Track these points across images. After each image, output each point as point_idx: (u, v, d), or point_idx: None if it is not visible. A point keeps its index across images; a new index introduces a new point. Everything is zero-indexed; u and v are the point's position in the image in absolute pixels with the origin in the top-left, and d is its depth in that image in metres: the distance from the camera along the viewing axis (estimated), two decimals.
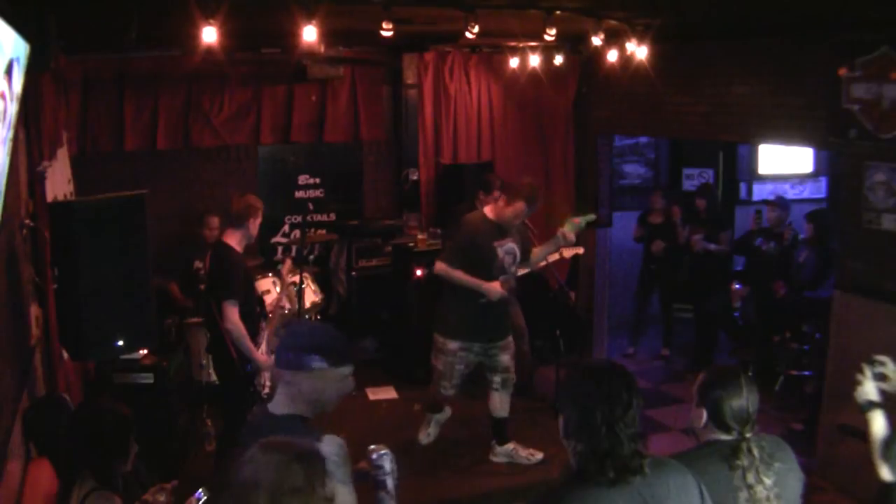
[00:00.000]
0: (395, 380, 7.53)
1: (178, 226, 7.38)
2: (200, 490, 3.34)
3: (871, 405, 3.06)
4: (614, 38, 6.01)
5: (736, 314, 7.57)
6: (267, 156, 7.88)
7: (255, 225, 5.19)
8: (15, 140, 3.33)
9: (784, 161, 9.85)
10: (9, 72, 2.98)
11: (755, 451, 2.58)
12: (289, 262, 6.15)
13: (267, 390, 5.37)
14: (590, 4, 5.07)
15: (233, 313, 4.93)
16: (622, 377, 2.23)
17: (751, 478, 2.55)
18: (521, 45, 7.41)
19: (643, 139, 9.74)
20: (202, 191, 7.56)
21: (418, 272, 7.36)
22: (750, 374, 2.72)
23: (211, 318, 5.15)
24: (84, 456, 2.99)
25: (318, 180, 8.13)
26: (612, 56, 6.42)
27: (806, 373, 6.80)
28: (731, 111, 6.66)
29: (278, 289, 6.42)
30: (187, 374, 6.35)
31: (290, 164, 7.99)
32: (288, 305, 6.47)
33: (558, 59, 7.27)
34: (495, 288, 5.54)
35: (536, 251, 5.91)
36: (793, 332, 6.98)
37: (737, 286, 7.58)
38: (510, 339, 5.89)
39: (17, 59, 3.13)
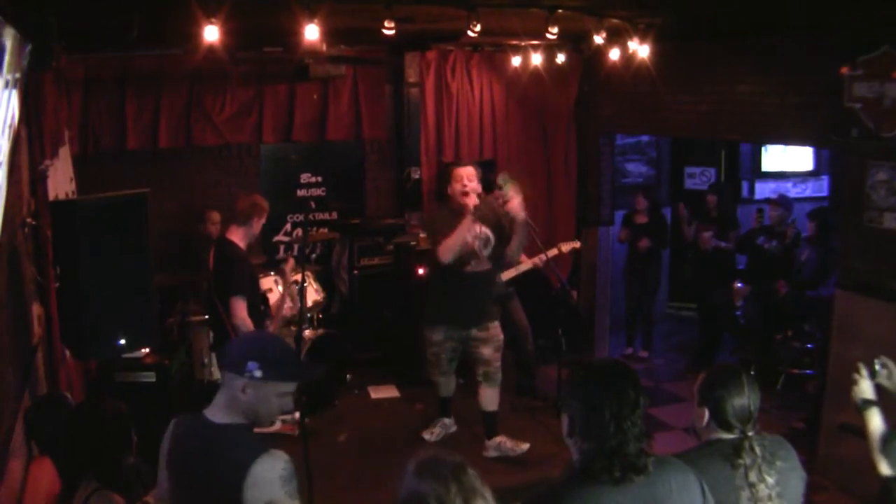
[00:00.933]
0: (396, 379, 7.54)
1: (179, 224, 7.38)
2: None
3: (868, 404, 3.08)
4: (616, 37, 6.02)
5: (738, 313, 7.57)
6: (269, 154, 7.88)
7: (258, 224, 5.21)
8: (17, 139, 3.33)
9: (786, 159, 9.85)
10: None
11: (757, 450, 2.58)
12: (291, 261, 6.16)
13: None
14: (592, 3, 5.07)
15: (241, 309, 4.93)
16: (628, 375, 2.24)
17: (753, 476, 2.55)
18: (522, 43, 7.41)
19: (645, 138, 9.74)
20: (204, 190, 7.56)
21: (420, 271, 7.36)
22: (751, 372, 2.71)
23: (215, 316, 5.16)
24: (88, 456, 3.00)
25: (319, 179, 8.14)
26: (614, 55, 6.42)
27: (807, 371, 6.80)
28: (732, 110, 6.66)
29: (280, 287, 6.42)
30: (189, 372, 6.35)
31: (292, 163, 7.99)
32: (290, 304, 6.48)
33: (560, 58, 7.27)
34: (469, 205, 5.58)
35: (512, 243, 5.83)
36: (794, 331, 6.99)
37: (739, 285, 7.58)
38: (493, 331, 5.90)
39: (4, 46, 3.07)
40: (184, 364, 6.13)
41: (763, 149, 9.63)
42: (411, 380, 7.37)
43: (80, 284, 4.04)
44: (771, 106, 6.27)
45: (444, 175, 6.06)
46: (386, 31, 4.73)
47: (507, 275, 6.67)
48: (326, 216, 8.14)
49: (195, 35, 4.38)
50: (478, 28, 4.72)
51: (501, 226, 5.79)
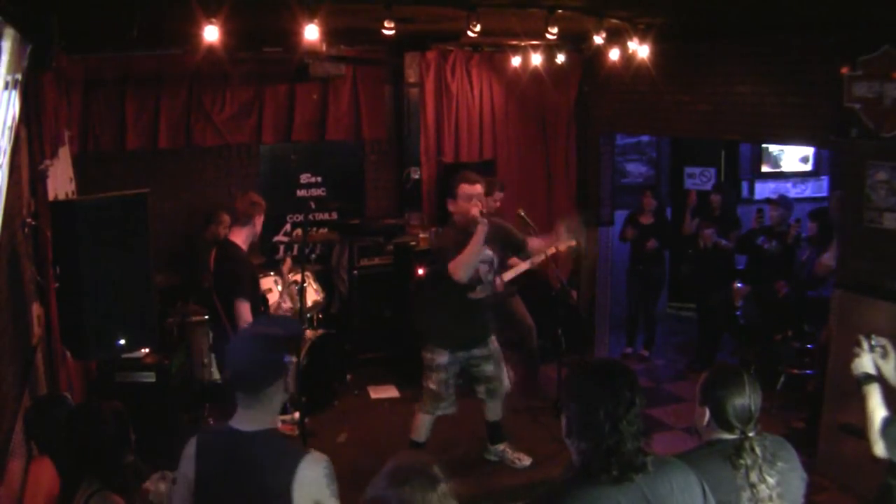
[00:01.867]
0: (396, 379, 7.53)
1: (179, 225, 7.38)
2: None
3: (869, 378, 3.09)
4: (616, 37, 6.02)
5: (737, 313, 7.57)
6: (269, 155, 7.88)
7: (260, 222, 5.21)
8: (16, 139, 3.33)
9: (785, 159, 9.86)
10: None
11: (758, 451, 2.58)
12: (289, 261, 6.15)
13: None
14: (591, 3, 5.08)
15: (246, 311, 4.93)
16: (625, 375, 2.24)
17: (754, 477, 2.54)
18: (522, 43, 7.41)
19: (645, 138, 9.74)
20: (204, 190, 7.56)
21: (420, 271, 7.36)
22: (752, 372, 2.71)
23: (215, 317, 5.16)
24: (88, 456, 3.00)
25: (319, 179, 8.13)
26: (614, 55, 6.43)
27: (807, 371, 6.79)
28: (732, 110, 6.66)
29: (280, 287, 6.42)
30: (189, 372, 6.35)
31: (292, 163, 7.99)
32: (289, 304, 6.48)
33: (560, 58, 7.27)
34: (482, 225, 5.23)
35: (535, 248, 5.78)
36: (794, 331, 6.98)
37: (738, 285, 7.58)
38: (492, 346, 5.69)
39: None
40: (183, 364, 6.13)
41: (772, 149, 9.64)
42: (411, 380, 7.35)
43: (80, 285, 4.04)
44: (771, 106, 6.27)
45: (450, 189, 5.47)
46: (386, 32, 4.73)
47: (506, 276, 6.66)
48: (326, 216, 8.14)
49: (195, 35, 4.39)
50: (478, 28, 4.72)
51: (508, 240, 5.67)
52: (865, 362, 3.11)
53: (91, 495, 2.90)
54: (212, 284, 5.38)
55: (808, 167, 10.01)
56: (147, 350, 5.46)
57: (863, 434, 3.11)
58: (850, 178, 5.60)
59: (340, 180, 8.21)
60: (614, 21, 5.42)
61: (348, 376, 7.33)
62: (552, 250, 6.78)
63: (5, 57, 2.94)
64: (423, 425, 5.60)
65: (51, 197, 4.66)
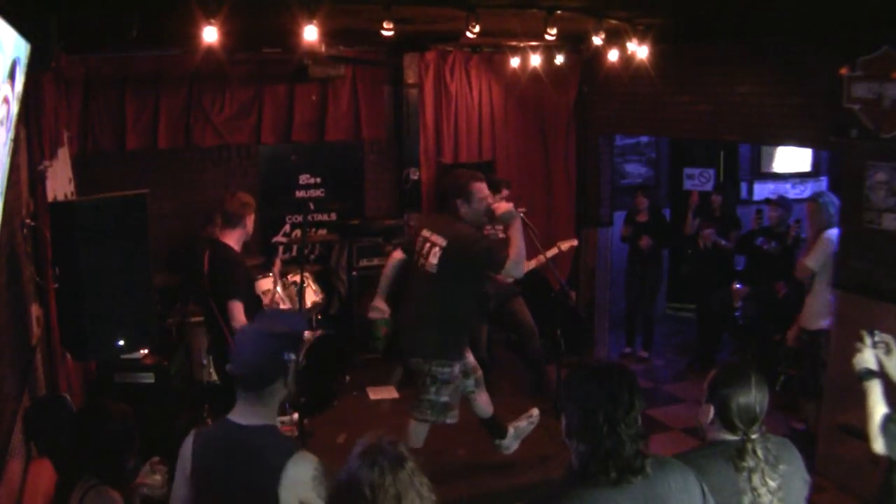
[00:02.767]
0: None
1: (179, 225, 7.38)
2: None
3: (870, 374, 3.07)
4: (615, 38, 6.02)
5: (737, 314, 7.57)
6: (268, 155, 7.88)
7: (251, 222, 5.19)
8: (16, 139, 3.33)
9: (785, 160, 9.86)
10: (12, 74, 2.98)
11: (760, 453, 2.56)
12: (278, 263, 6.16)
13: None
14: (591, 4, 5.08)
15: (240, 312, 4.92)
16: (623, 377, 2.23)
17: (756, 480, 2.53)
18: (522, 44, 7.42)
19: (644, 139, 9.74)
20: (203, 190, 7.56)
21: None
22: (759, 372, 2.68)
23: (211, 319, 5.15)
24: (92, 456, 3.01)
25: (318, 180, 8.13)
26: (613, 56, 6.43)
27: None
28: (731, 111, 6.66)
29: (279, 289, 6.42)
30: (188, 373, 6.35)
31: (292, 164, 7.99)
32: (285, 305, 6.48)
33: (559, 59, 7.27)
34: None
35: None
36: None
37: (738, 286, 7.58)
38: None
39: (19, 60, 3.13)
40: (183, 365, 6.13)
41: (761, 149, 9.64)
42: (410, 380, 7.36)
43: (80, 285, 4.03)
44: (770, 106, 6.27)
45: (459, 190, 5.10)
46: (385, 32, 4.74)
47: (528, 265, 6.55)
48: (325, 217, 8.14)
49: (194, 35, 4.39)
50: (477, 29, 4.73)
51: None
52: (867, 358, 3.09)
53: (88, 490, 2.90)
54: (206, 286, 5.37)
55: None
56: (146, 351, 5.46)
57: (862, 434, 3.10)
58: (850, 178, 5.60)
59: (340, 181, 8.21)
60: (614, 22, 5.42)
61: (347, 377, 7.33)
62: (554, 251, 6.77)
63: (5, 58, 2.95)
64: (421, 432, 5.28)
65: (50, 197, 4.67)
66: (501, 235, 6.08)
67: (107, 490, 2.94)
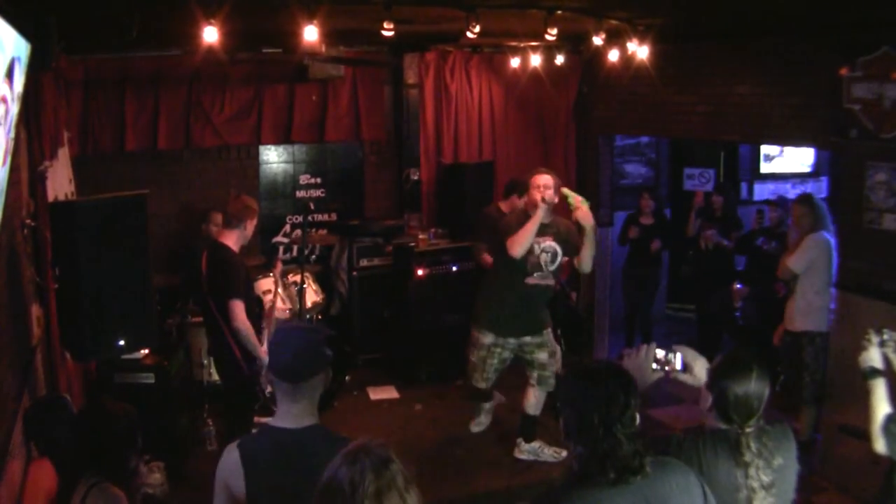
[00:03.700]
0: (396, 380, 7.52)
1: (179, 225, 7.38)
2: None
3: (874, 372, 3.06)
4: (615, 38, 6.01)
5: (737, 314, 7.57)
6: (267, 155, 7.88)
7: (251, 226, 5.18)
8: (16, 140, 3.33)
9: (785, 160, 9.86)
10: (10, 73, 2.98)
11: (753, 447, 2.55)
12: (279, 265, 6.16)
13: (270, 389, 5.36)
14: (591, 4, 5.08)
15: (240, 311, 4.92)
16: (619, 378, 2.23)
17: (751, 472, 2.53)
18: (522, 44, 7.41)
19: (644, 139, 9.74)
20: (203, 191, 7.56)
21: (419, 272, 7.36)
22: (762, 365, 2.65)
23: (210, 320, 5.15)
24: (94, 455, 3.01)
25: (319, 180, 8.13)
26: (613, 56, 6.42)
27: None
28: (731, 111, 6.66)
29: (280, 290, 6.41)
30: (188, 373, 6.35)
31: (292, 164, 7.99)
32: (285, 306, 6.47)
33: (559, 59, 7.27)
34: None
35: (583, 253, 5.64)
36: None
37: (738, 286, 7.58)
38: (547, 336, 5.87)
39: (18, 59, 3.13)
40: (183, 365, 6.12)
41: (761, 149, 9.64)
42: (410, 380, 7.37)
43: (80, 286, 4.04)
44: (770, 107, 6.27)
45: (517, 186, 6.37)
46: (385, 33, 4.73)
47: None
48: (325, 217, 8.14)
49: (194, 36, 4.39)
50: (477, 29, 4.72)
51: (569, 241, 5.68)
52: (873, 356, 3.08)
53: (90, 487, 2.90)
54: (204, 286, 5.37)
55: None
56: (146, 351, 5.45)
57: (861, 435, 3.10)
58: (850, 179, 5.60)
59: (340, 181, 8.21)
60: (614, 22, 5.42)
61: (347, 377, 7.33)
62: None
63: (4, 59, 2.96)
64: (478, 387, 5.97)
65: (50, 198, 4.66)
66: None
67: (109, 487, 2.94)
